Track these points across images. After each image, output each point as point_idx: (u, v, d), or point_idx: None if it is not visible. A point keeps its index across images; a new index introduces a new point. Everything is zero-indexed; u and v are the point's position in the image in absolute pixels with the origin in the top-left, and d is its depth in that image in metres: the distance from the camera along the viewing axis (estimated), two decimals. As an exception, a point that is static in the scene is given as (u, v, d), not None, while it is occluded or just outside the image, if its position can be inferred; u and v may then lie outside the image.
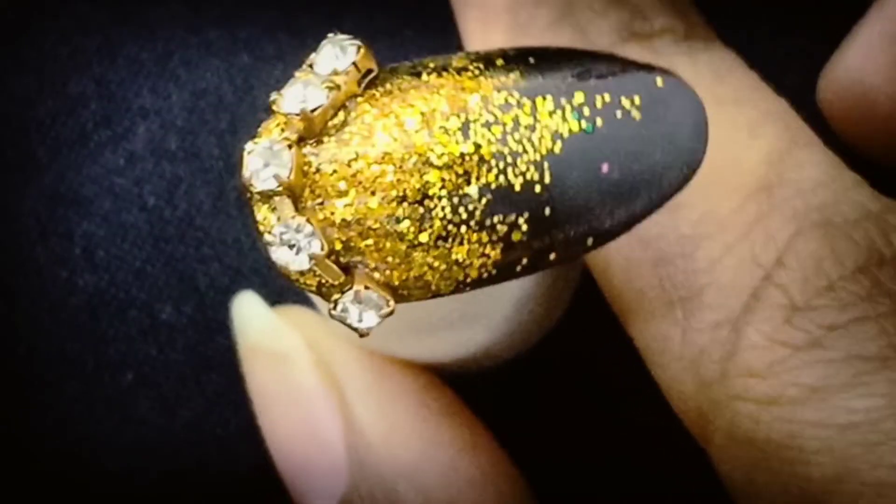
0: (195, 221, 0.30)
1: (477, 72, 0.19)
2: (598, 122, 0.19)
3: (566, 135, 0.19)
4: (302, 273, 0.19)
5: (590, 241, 0.19)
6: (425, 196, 0.19)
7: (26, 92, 0.31)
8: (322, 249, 0.19)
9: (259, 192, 0.19)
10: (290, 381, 0.26)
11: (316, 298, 0.26)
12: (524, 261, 0.19)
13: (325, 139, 0.19)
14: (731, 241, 0.21)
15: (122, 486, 0.29)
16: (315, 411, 0.26)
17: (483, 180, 0.19)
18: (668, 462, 0.29)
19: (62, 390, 0.29)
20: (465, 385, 0.27)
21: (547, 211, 0.19)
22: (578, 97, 0.19)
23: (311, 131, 0.19)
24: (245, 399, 0.27)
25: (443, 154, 0.19)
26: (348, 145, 0.19)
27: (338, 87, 0.19)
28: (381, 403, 0.26)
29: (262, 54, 0.31)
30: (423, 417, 0.25)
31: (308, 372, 0.26)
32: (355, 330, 0.19)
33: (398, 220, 0.19)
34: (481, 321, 0.26)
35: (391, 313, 0.19)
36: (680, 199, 0.21)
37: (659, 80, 0.19)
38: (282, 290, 0.29)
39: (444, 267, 0.19)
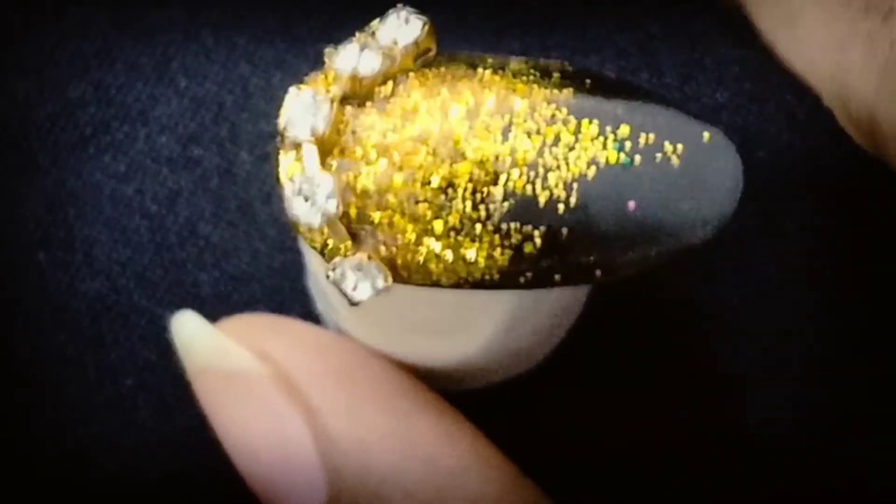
0: (196, 229, 0.30)
1: (532, 78, 0.19)
2: (637, 159, 0.19)
3: (603, 163, 0.19)
4: (310, 229, 0.19)
5: (598, 272, 0.19)
6: (450, 185, 0.19)
7: (26, 95, 0.31)
8: (337, 210, 0.19)
9: (291, 139, 0.19)
10: (249, 398, 0.25)
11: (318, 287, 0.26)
12: (529, 274, 0.19)
13: (369, 105, 0.19)
14: None
15: (122, 489, 0.29)
16: (281, 426, 0.25)
17: (510, 185, 0.19)
18: (670, 463, 0.29)
19: (63, 394, 0.29)
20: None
21: (564, 232, 0.19)
22: (624, 130, 0.19)
23: (357, 93, 0.19)
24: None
25: (478, 149, 0.19)
26: (389, 116, 0.19)
27: (393, 58, 0.19)
28: (350, 406, 0.25)
29: (260, 62, 0.31)
30: (395, 415, 0.25)
31: (267, 386, 0.25)
32: (347, 298, 0.19)
33: (417, 202, 0.19)
34: (469, 335, 0.26)
35: (387, 290, 0.19)
36: None
37: (706, 135, 0.19)
38: (284, 298, 0.30)
39: (450, 259, 0.19)
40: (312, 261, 0.24)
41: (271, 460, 0.25)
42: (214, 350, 0.26)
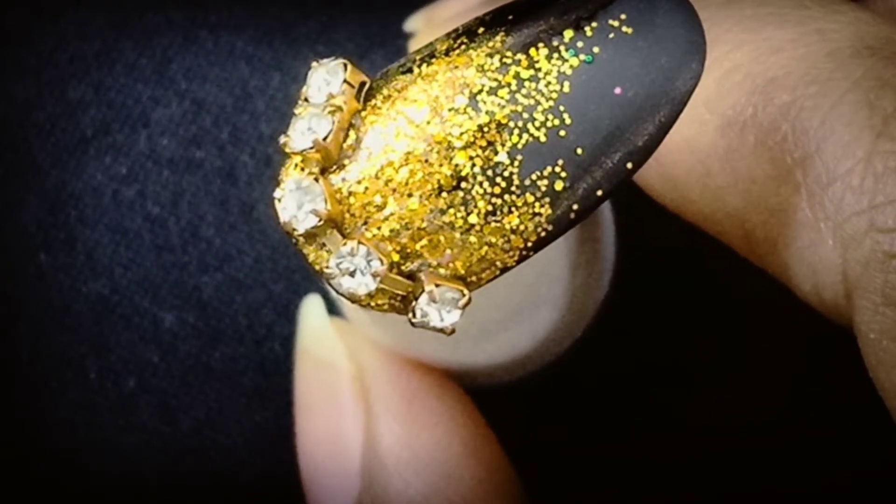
0: (199, 231, 0.30)
1: (463, 47, 0.20)
2: (595, 49, 0.19)
3: (570, 72, 0.19)
4: (371, 295, 0.19)
5: (629, 165, 0.20)
6: (460, 179, 0.19)
7: (26, 97, 0.31)
8: (383, 265, 0.19)
9: (303, 234, 0.19)
10: (329, 388, 0.26)
11: (346, 307, 0.26)
12: (575, 207, 0.20)
13: (346, 161, 0.19)
14: (841, 92, 0.20)
15: (123, 491, 0.29)
16: (343, 422, 0.26)
17: (509, 144, 0.19)
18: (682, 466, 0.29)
19: (64, 396, 0.30)
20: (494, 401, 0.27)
21: (579, 151, 0.19)
22: (567, 34, 0.19)
23: (330, 159, 0.19)
24: (246, 408, 0.27)
25: (462, 134, 0.19)
26: (370, 159, 0.19)
27: (339, 108, 0.19)
28: (405, 428, 0.25)
29: (259, 64, 0.31)
30: (442, 449, 0.25)
31: (345, 383, 0.26)
32: (441, 331, 0.20)
33: (443, 212, 0.19)
34: (546, 302, 0.26)
35: (469, 303, 0.19)
36: (769, 76, 0.21)
37: None
38: (287, 302, 0.30)
39: (502, 240, 0.19)
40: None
41: (324, 449, 0.26)
42: (316, 336, 0.27)
